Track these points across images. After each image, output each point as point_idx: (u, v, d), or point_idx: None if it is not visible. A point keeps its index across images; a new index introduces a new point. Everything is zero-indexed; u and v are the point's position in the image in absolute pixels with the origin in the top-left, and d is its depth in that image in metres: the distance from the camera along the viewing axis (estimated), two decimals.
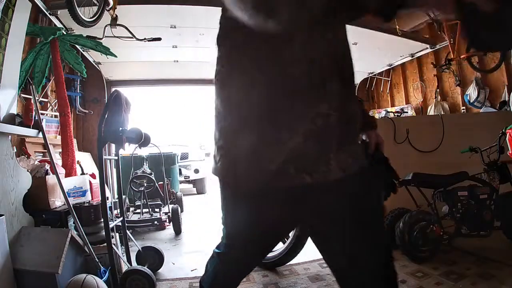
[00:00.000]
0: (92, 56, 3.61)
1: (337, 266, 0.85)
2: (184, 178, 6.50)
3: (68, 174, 2.43)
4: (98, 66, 3.93)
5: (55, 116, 3.34)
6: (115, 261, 1.66)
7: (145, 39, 2.68)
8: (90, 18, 2.24)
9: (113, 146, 2.10)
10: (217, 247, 1.07)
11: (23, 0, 1.92)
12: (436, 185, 2.17)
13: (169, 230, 3.37)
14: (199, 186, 6.88)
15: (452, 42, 3.51)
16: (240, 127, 0.76)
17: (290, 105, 0.70)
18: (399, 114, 4.71)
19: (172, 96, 11.17)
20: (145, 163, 3.88)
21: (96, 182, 2.37)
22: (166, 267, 2.23)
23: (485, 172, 2.16)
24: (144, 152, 4.13)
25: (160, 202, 3.68)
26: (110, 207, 2.24)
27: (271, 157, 0.71)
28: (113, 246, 1.68)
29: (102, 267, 1.70)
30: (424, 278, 1.84)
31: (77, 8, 2.05)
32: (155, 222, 3.20)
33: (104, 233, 1.73)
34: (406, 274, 1.91)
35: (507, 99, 3.31)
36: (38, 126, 1.94)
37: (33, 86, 2.07)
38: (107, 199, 1.83)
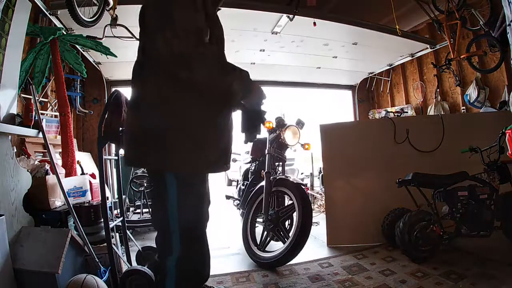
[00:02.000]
0: (92, 56, 3.61)
1: None
2: None
3: (68, 174, 2.43)
4: (98, 66, 3.92)
5: (55, 116, 3.34)
6: (115, 261, 1.66)
7: None
8: (90, 18, 2.24)
9: (113, 146, 2.10)
10: (165, 258, 1.15)
11: (23, 0, 1.92)
12: (436, 185, 2.17)
13: None
14: None
15: (452, 42, 3.51)
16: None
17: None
18: (399, 114, 4.71)
19: None
20: None
21: (96, 182, 2.37)
22: None
23: (485, 172, 2.16)
24: None
25: None
26: (110, 207, 2.24)
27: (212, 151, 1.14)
28: (113, 246, 1.68)
29: (102, 267, 1.70)
30: (424, 278, 1.83)
31: (77, 8, 2.06)
32: None
33: (104, 233, 1.73)
34: (406, 274, 1.91)
35: (507, 99, 3.30)
36: (38, 126, 1.94)
37: (33, 86, 2.07)
38: (107, 199, 1.83)
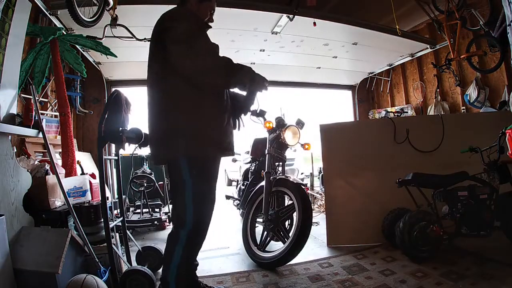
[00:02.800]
0: (92, 56, 3.61)
1: None
2: None
3: (68, 174, 2.43)
4: (98, 66, 3.93)
5: (55, 116, 3.34)
6: (115, 261, 1.66)
7: (145, 39, 2.67)
8: (90, 18, 2.24)
9: (113, 146, 2.10)
10: (179, 231, 1.47)
11: (23, 0, 1.92)
12: (436, 185, 2.17)
13: (169, 230, 3.36)
14: None
15: (452, 42, 3.51)
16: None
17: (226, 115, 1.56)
18: (399, 114, 4.71)
19: None
20: (145, 163, 3.88)
21: (96, 182, 2.37)
22: None
23: (485, 172, 2.16)
24: (144, 152, 4.13)
25: (160, 202, 3.68)
26: (110, 207, 2.24)
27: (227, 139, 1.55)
28: (113, 246, 1.68)
29: (102, 267, 1.70)
30: (424, 278, 1.83)
31: (77, 8, 2.06)
32: (155, 222, 3.20)
33: (104, 233, 1.73)
34: (406, 274, 1.91)
35: (507, 99, 3.30)
36: (38, 126, 1.94)
37: (33, 86, 2.07)
38: (107, 199, 1.83)
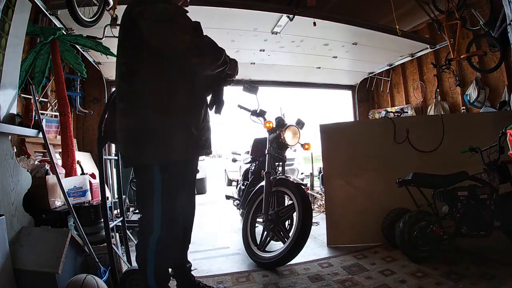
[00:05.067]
0: (92, 56, 3.61)
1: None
2: None
3: (68, 174, 2.43)
4: (98, 66, 3.92)
5: (55, 116, 3.34)
6: (115, 261, 1.66)
7: None
8: (90, 18, 2.24)
9: (113, 146, 2.10)
10: (148, 236, 1.36)
11: (23, 0, 1.93)
12: (436, 185, 2.17)
13: None
14: (199, 186, 6.88)
15: (452, 42, 3.51)
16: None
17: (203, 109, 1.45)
18: (399, 114, 4.71)
19: None
20: None
21: (96, 182, 2.37)
22: None
23: (485, 172, 2.16)
24: None
25: None
26: (110, 207, 2.24)
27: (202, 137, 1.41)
28: (113, 246, 1.68)
29: (102, 267, 1.70)
30: (424, 278, 1.83)
31: (77, 8, 2.06)
32: None
33: (104, 233, 1.73)
34: (406, 274, 1.91)
35: (507, 99, 3.31)
36: (38, 126, 1.94)
37: (33, 86, 2.07)
38: (107, 199, 1.83)
